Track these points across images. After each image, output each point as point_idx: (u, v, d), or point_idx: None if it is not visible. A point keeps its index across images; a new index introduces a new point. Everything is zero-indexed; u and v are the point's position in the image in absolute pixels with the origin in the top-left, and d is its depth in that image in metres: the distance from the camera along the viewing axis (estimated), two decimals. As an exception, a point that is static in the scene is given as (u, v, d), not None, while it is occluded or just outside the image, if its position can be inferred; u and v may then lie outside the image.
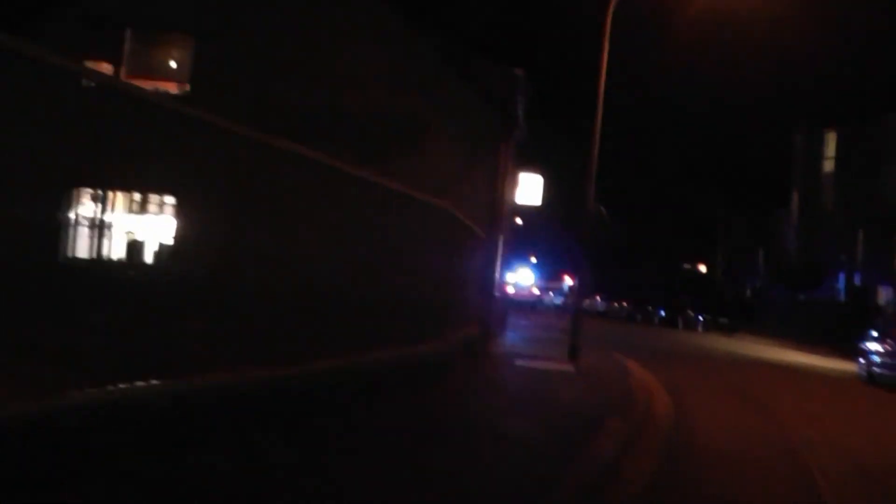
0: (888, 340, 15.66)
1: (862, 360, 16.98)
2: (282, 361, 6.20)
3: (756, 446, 8.19)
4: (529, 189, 27.34)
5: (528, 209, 30.32)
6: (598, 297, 52.92)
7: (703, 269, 66.82)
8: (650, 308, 45.67)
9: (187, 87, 13.74)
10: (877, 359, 16.00)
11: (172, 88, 13.90)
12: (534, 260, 79.81)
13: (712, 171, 57.28)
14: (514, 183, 22.82)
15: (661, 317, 44.39)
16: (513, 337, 19.83)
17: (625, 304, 48.71)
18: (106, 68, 13.58)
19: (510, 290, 70.31)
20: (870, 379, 16.10)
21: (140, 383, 4.92)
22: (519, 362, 13.36)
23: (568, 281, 74.64)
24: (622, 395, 10.24)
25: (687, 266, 65.95)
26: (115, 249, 5.91)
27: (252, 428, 5.49)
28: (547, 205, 29.67)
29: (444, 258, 10.88)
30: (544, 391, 10.23)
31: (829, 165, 47.69)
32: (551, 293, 55.24)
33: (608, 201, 66.11)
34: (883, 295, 38.26)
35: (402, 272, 9.17)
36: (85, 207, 6.10)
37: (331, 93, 13.75)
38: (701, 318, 41.43)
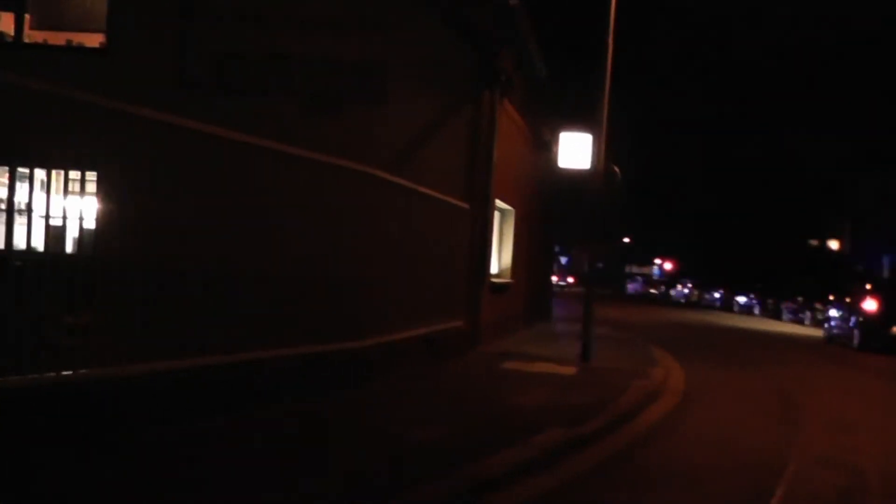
0: None
1: None
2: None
3: None
4: (574, 151, 26.94)
5: (577, 175, 29.79)
6: (685, 286, 51.59)
7: (834, 245, 64.20)
8: (769, 301, 43.05)
9: (103, 39, 13.70)
10: None
11: (87, 41, 13.89)
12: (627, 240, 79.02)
13: (828, 117, 53.52)
14: (553, 143, 22.36)
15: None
16: (543, 333, 19.53)
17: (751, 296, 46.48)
18: (6, 20, 13.66)
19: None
20: None
21: None
22: (507, 364, 13.11)
23: (666, 266, 73.47)
24: (601, 403, 9.88)
25: (813, 242, 63.49)
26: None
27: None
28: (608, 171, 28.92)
29: (388, 237, 10.72)
30: (499, 398, 10.00)
31: None
32: (680, 286, 53.46)
33: (697, 160, 64.82)
34: None
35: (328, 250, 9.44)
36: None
37: (270, 33, 13.53)
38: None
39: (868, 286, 24.47)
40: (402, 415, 8.56)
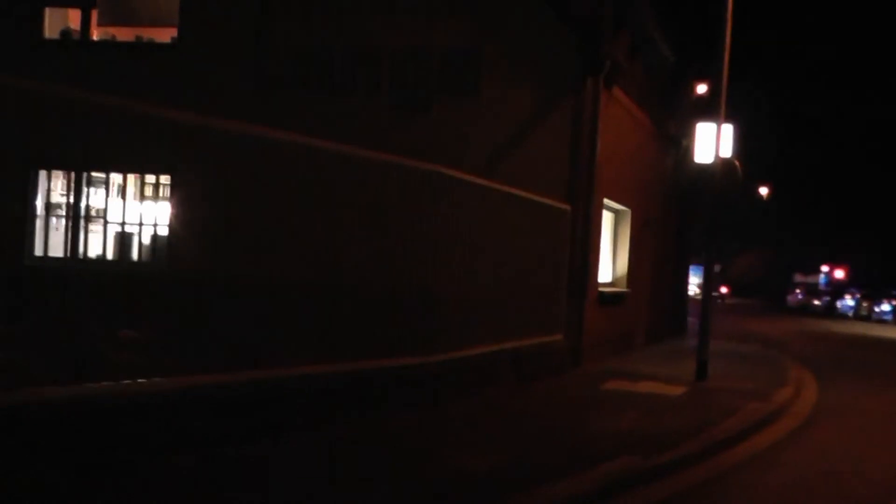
0: None
1: None
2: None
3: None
4: (714, 144, 26.17)
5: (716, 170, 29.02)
6: (853, 296, 49.24)
7: None
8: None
9: (175, 34, 14.12)
10: None
11: (158, 35, 14.35)
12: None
13: None
14: (683, 137, 21.87)
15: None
16: (669, 350, 18.98)
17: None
18: (74, 16, 14.27)
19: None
20: None
21: None
22: (607, 384, 12.81)
23: (838, 273, 70.74)
24: (697, 428, 9.52)
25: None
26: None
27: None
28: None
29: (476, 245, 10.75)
30: (583, 421, 9.79)
31: None
32: (848, 296, 51.06)
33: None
34: None
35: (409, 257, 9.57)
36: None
37: (351, 25, 13.66)
38: None
39: None
40: (460, 439, 8.41)
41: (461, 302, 10.61)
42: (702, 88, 32.11)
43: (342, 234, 8.99)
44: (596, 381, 12.93)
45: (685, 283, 25.84)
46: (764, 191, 77.73)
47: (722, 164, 14.11)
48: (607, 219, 17.06)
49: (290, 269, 8.45)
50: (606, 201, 15.91)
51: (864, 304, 46.62)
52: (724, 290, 69.43)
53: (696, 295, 68.69)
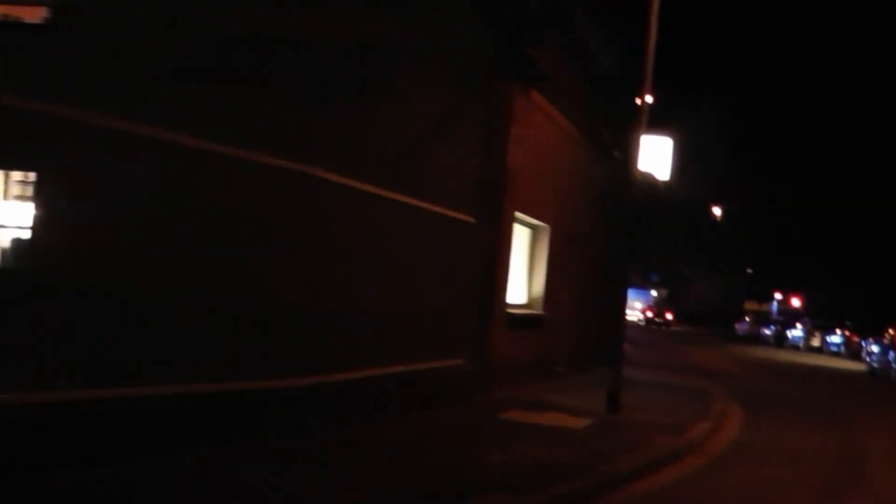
0: None
1: None
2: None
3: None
4: (654, 158, 26.24)
5: (658, 186, 29.21)
6: (804, 326, 49.72)
7: None
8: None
9: (44, 12, 13.64)
10: None
11: (27, 15, 13.85)
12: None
13: None
14: (618, 150, 21.81)
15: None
16: (592, 379, 18.81)
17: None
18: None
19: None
20: None
21: None
22: (508, 413, 12.56)
23: (794, 302, 71.60)
24: (590, 464, 9.37)
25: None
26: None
27: None
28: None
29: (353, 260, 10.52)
30: (465, 455, 9.59)
31: None
32: (800, 325, 51.32)
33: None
34: None
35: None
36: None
37: (253, 13, 13.29)
38: None
39: None
40: (317, 473, 8.08)
41: (343, 320, 10.36)
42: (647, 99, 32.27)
43: (205, 239, 8.69)
44: (496, 411, 12.68)
45: (620, 307, 25.63)
46: (717, 211, 78.71)
47: (641, 178, 13.94)
48: (523, 235, 16.88)
49: (146, 275, 8.15)
50: (521, 215, 15.71)
51: (815, 335, 47.07)
52: (668, 316, 69.96)
53: (638, 321, 69.68)
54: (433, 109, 13.58)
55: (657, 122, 29.69)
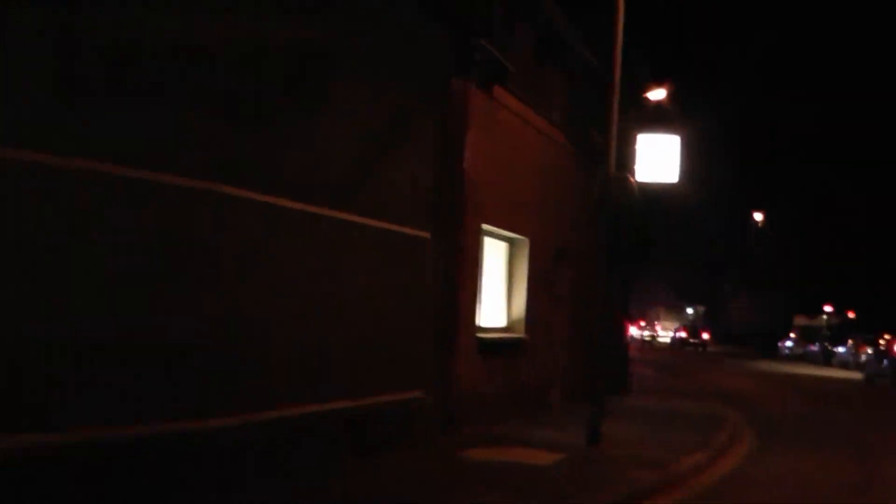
0: None
1: None
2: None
3: None
4: (660, 159, 25.94)
5: (666, 190, 29.07)
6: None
7: None
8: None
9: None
10: None
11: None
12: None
13: None
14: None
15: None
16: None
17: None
18: None
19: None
20: None
21: None
22: (472, 452, 12.30)
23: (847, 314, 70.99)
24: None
25: None
26: None
27: None
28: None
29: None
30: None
31: None
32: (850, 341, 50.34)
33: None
34: None
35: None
36: None
37: (175, 19, 13.01)
38: None
39: None
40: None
41: (264, 349, 10.14)
42: (657, 94, 32.07)
43: (97, 270, 8.50)
44: (457, 449, 12.38)
45: (622, 329, 25.37)
46: (758, 217, 78.19)
47: (615, 181, 13.63)
48: (498, 249, 16.59)
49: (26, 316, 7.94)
50: (491, 228, 15.41)
51: (866, 351, 46.19)
52: (704, 336, 69.41)
53: (671, 341, 69.05)
54: (381, 115, 13.27)
55: (690, 117, 29.62)
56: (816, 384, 34.46)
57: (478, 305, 15.28)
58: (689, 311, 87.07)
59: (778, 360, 55.36)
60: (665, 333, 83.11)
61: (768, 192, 76.49)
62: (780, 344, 62.76)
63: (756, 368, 45.75)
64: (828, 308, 71.47)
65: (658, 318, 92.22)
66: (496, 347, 15.67)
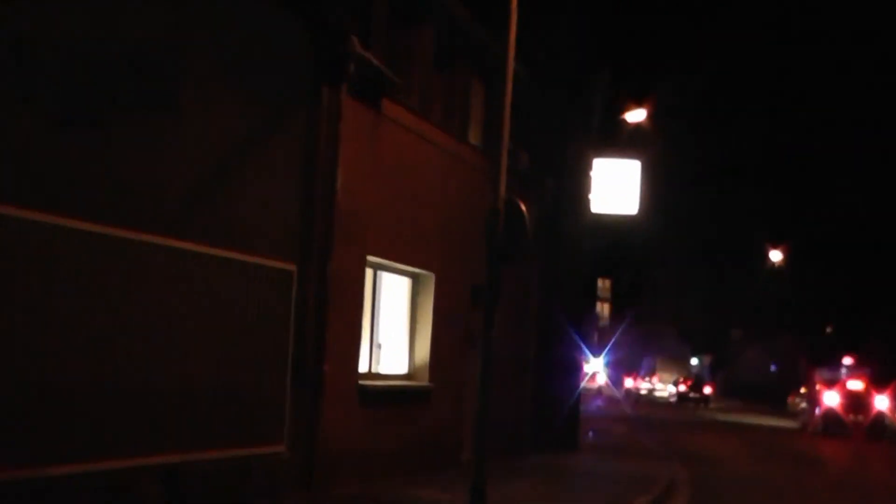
0: None
1: None
2: None
3: None
4: (617, 186, 26.16)
5: (626, 224, 29.26)
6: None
7: None
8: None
9: None
10: None
11: None
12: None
13: None
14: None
15: None
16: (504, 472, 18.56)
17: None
18: None
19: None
20: None
21: None
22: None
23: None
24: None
25: None
26: None
27: None
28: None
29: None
30: None
31: None
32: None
33: None
34: None
35: None
36: None
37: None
38: None
39: None
40: None
41: (85, 399, 10.26)
42: (636, 115, 32.48)
43: None
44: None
45: (572, 377, 25.43)
46: (776, 256, 78.28)
47: (504, 206, 13.72)
48: (400, 286, 16.73)
49: None
50: (383, 261, 15.56)
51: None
52: (706, 390, 69.47)
53: (669, 396, 69.12)
54: (238, 130, 13.33)
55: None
56: (808, 445, 34.46)
57: (365, 348, 15.38)
58: (694, 361, 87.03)
59: (786, 416, 55.24)
60: (663, 386, 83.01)
61: (787, 228, 76.97)
62: (790, 399, 62.58)
63: (749, 426, 45.94)
64: (847, 360, 71.53)
65: (655, 371, 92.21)
66: (387, 397, 15.76)
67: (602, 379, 69.50)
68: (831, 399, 42.27)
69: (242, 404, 12.65)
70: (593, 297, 38.47)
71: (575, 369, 25.73)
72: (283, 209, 13.61)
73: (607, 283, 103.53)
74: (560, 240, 23.94)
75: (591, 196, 25.42)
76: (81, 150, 11.78)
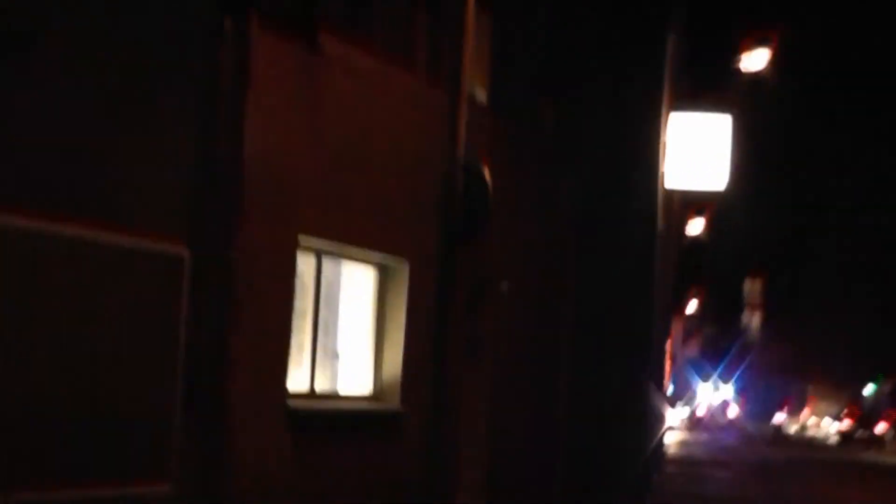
0: None
1: None
2: None
3: None
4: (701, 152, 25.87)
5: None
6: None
7: None
8: None
9: None
10: None
11: None
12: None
13: None
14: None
15: None
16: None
17: None
18: None
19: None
20: None
21: None
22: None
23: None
24: None
25: None
26: None
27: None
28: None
29: None
30: None
31: None
32: None
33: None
34: None
35: None
36: None
37: None
38: None
39: None
40: None
41: None
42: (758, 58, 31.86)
43: None
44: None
45: (642, 397, 25.23)
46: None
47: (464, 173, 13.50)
48: (363, 280, 16.47)
49: None
50: (331, 245, 15.34)
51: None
52: (880, 427, 68.81)
53: (826, 437, 68.77)
54: (115, 74, 13.18)
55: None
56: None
57: (304, 361, 15.24)
58: (868, 388, 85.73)
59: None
60: (817, 421, 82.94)
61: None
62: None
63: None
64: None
65: (808, 403, 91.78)
66: (335, 424, 15.51)
67: (733, 412, 70.43)
68: None
69: (112, 431, 12.52)
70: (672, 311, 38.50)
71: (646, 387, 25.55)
72: (174, 176, 13.40)
73: (757, 284, 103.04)
74: (618, 231, 23.67)
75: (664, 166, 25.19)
76: None
